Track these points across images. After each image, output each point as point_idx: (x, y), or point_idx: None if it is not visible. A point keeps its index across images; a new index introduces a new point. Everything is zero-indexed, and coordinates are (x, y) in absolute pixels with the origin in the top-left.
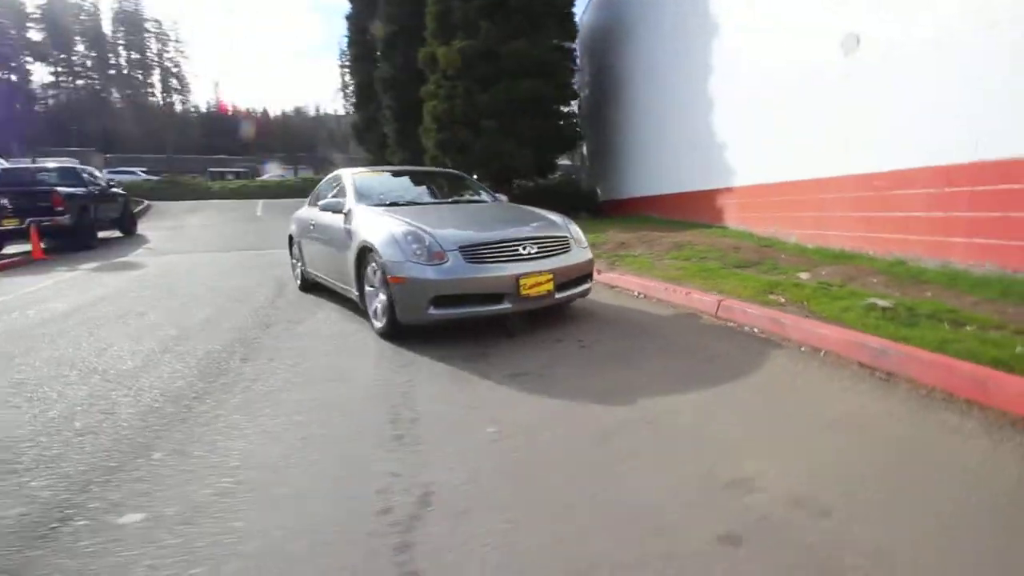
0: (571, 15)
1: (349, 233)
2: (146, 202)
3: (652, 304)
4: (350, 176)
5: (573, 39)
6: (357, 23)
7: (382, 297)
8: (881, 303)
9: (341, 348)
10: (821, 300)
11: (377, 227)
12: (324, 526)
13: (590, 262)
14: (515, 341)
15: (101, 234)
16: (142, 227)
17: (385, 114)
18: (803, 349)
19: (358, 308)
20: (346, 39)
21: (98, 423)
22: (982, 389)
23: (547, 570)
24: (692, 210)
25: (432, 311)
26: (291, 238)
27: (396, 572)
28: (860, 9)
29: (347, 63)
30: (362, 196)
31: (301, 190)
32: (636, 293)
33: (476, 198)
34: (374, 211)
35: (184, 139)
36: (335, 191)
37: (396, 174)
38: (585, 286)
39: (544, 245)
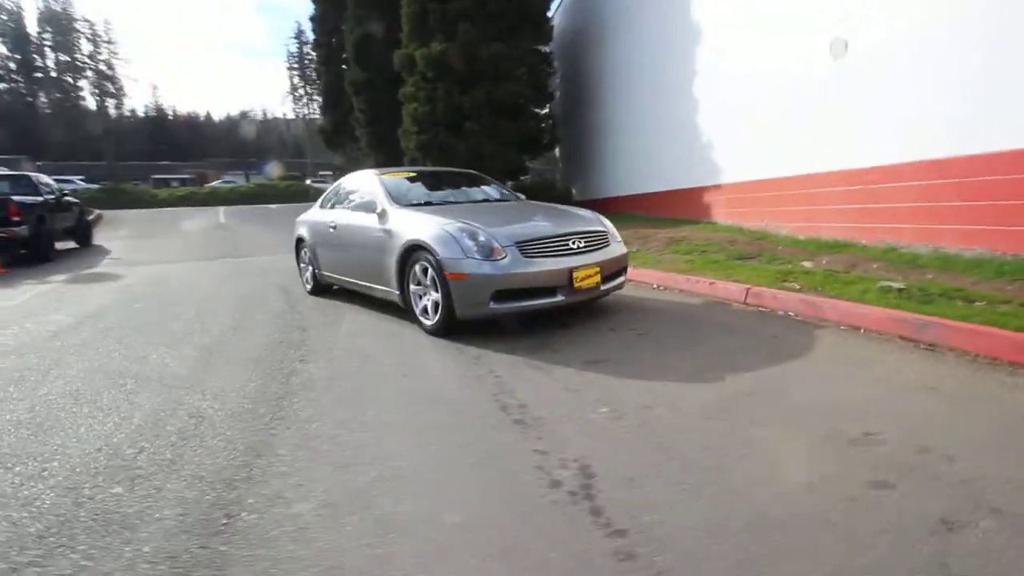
0: (547, 19)
1: (389, 233)
2: (97, 211)
3: (676, 295)
4: (377, 177)
5: (548, 43)
6: (323, 25)
7: (433, 295)
8: (895, 285)
9: (398, 345)
10: (834, 285)
11: (424, 226)
12: (500, 501)
13: (625, 255)
14: (568, 333)
15: (57, 245)
16: (97, 237)
17: (358, 117)
18: (842, 328)
19: (386, 307)
20: (311, 41)
21: (195, 427)
22: (1022, 351)
23: (739, 514)
24: (678, 207)
25: (493, 305)
26: (299, 242)
27: (604, 532)
28: (847, 12)
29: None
30: (394, 197)
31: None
32: (655, 285)
33: (501, 196)
34: (412, 211)
35: (124, 145)
36: (357, 193)
37: (419, 174)
38: (622, 279)
39: (590, 240)
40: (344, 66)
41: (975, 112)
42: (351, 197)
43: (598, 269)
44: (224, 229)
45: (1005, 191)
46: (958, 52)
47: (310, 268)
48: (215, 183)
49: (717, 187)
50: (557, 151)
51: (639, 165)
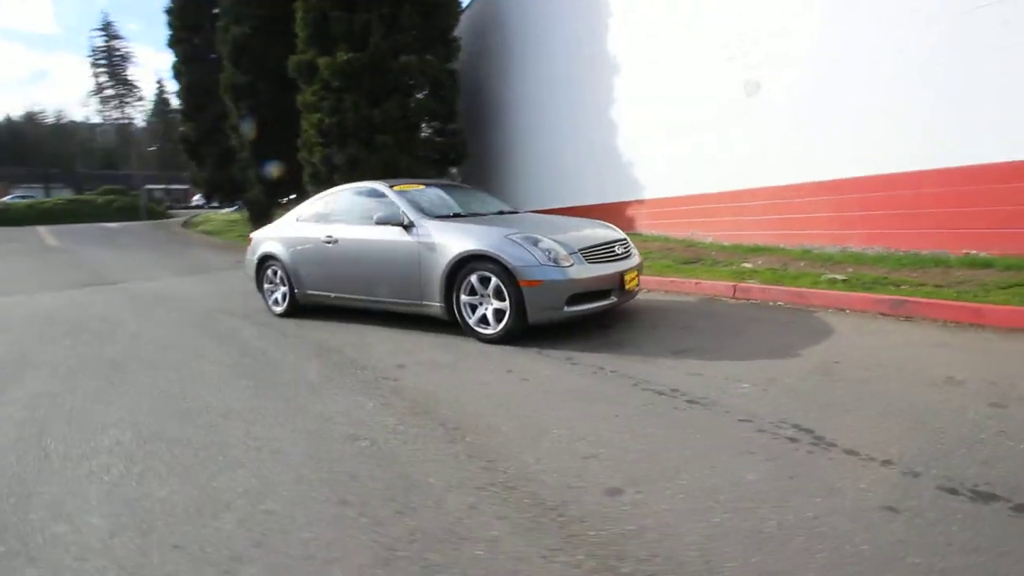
0: (456, 38)
1: (428, 246)
2: None
3: (664, 295)
4: (391, 190)
5: (455, 60)
6: (182, 18)
7: (495, 304)
8: (838, 277)
9: (475, 354)
10: (783, 280)
11: (480, 236)
12: (764, 462)
13: (642, 262)
14: (624, 332)
15: None
16: None
17: (237, 126)
18: (831, 311)
19: (390, 322)
20: (168, 36)
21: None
22: (978, 315)
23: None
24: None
25: (567, 309)
26: (264, 261)
27: (871, 461)
28: (763, 53)
29: (102, 62)
30: (422, 209)
31: (73, 215)
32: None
33: (507, 209)
34: (449, 223)
35: None
36: (363, 206)
37: (426, 186)
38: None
39: (624, 246)
40: (223, 68)
41: (874, 141)
42: (354, 210)
43: (637, 272)
44: (61, 252)
45: (900, 203)
46: (859, 91)
47: (281, 288)
48: (4, 199)
49: (640, 202)
50: (455, 169)
51: (555, 182)
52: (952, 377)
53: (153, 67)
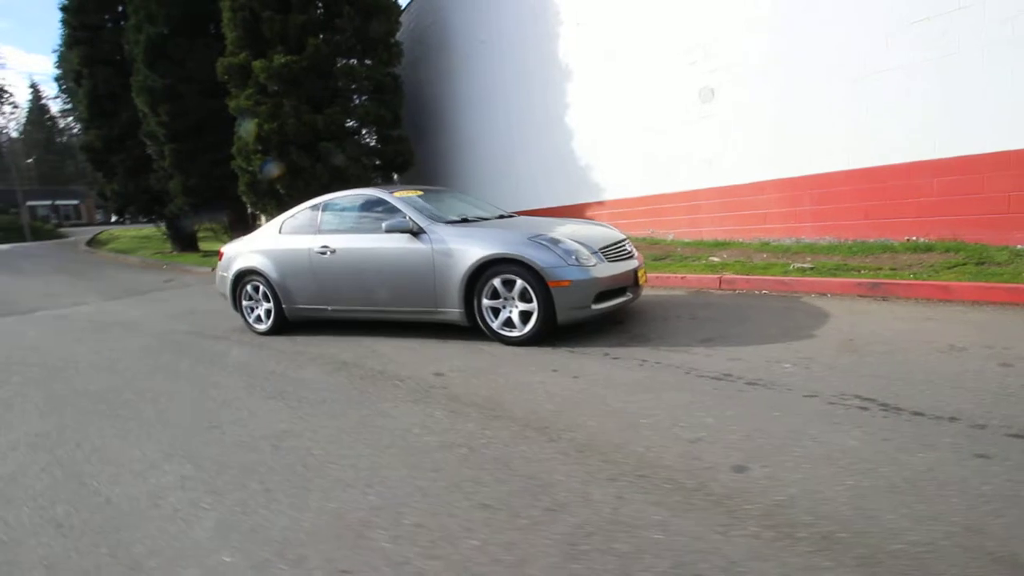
0: (398, 42)
1: (443, 252)
2: None
3: (653, 291)
4: (393, 196)
5: (397, 64)
6: (82, 17)
7: (521, 306)
8: (805, 265)
9: (508, 357)
10: (754, 271)
11: (502, 239)
12: (862, 428)
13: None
14: (641, 327)
15: None
16: None
17: (155, 132)
18: (815, 295)
19: (392, 332)
20: (65, 35)
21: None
22: (947, 292)
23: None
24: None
25: (594, 307)
26: (243, 277)
27: (928, 419)
28: (713, 66)
29: None
30: (430, 215)
31: None
32: None
33: (505, 213)
34: (462, 227)
35: None
36: (360, 214)
37: (424, 193)
38: None
39: (629, 244)
40: (117, 69)
41: (819, 144)
42: (350, 219)
43: (644, 269)
44: None
45: (844, 197)
46: (807, 98)
47: (264, 305)
48: None
49: (600, 203)
50: (395, 176)
51: (509, 186)
52: (954, 345)
53: (26, 70)
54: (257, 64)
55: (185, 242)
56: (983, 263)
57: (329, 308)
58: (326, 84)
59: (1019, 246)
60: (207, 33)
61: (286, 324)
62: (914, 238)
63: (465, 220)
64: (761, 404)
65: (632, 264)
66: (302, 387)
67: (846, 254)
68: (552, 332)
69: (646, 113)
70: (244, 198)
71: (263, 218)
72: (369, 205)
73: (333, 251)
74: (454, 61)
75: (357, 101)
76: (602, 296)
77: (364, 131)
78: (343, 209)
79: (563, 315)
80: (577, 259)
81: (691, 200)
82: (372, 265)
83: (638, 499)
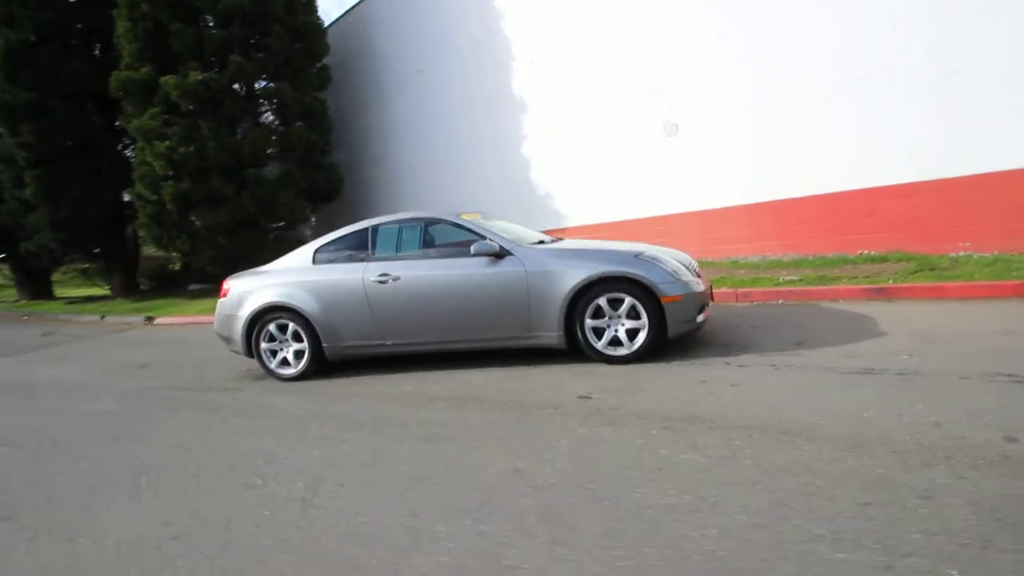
0: (327, 66)
1: (541, 274)
2: None
3: None
4: (462, 220)
5: (326, 88)
6: None
7: (629, 323)
8: (792, 278)
9: (636, 375)
10: (745, 283)
11: (607, 258)
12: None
13: None
14: (711, 338)
15: None
16: None
17: (14, 155)
18: (828, 301)
19: (452, 364)
20: None
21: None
22: (940, 291)
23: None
24: None
25: (698, 319)
26: (261, 316)
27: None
28: (677, 104)
29: None
30: (510, 238)
31: None
32: None
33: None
34: (550, 247)
35: None
36: (420, 239)
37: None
38: None
39: None
40: None
41: (775, 172)
42: (408, 244)
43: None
44: None
45: (806, 216)
46: (766, 130)
47: (294, 345)
48: None
49: (562, 229)
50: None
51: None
52: (1007, 330)
53: None
54: (169, 80)
55: (37, 288)
56: (933, 268)
57: (388, 343)
58: (250, 106)
59: (952, 254)
60: (87, 43)
61: (323, 366)
62: (867, 251)
63: (541, 242)
64: (935, 389)
65: (706, 281)
66: (449, 427)
67: (814, 267)
68: (659, 348)
69: (612, 145)
70: (143, 232)
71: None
72: (432, 229)
73: (396, 279)
74: (385, 89)
75: (292, 126)
76: (699, 309)
77: (291, 158)
78: (400, 234)
79: (673, 329)
80: (680, 275)
81: (661, 225)
82: (450, 292)
83: (958, 478)
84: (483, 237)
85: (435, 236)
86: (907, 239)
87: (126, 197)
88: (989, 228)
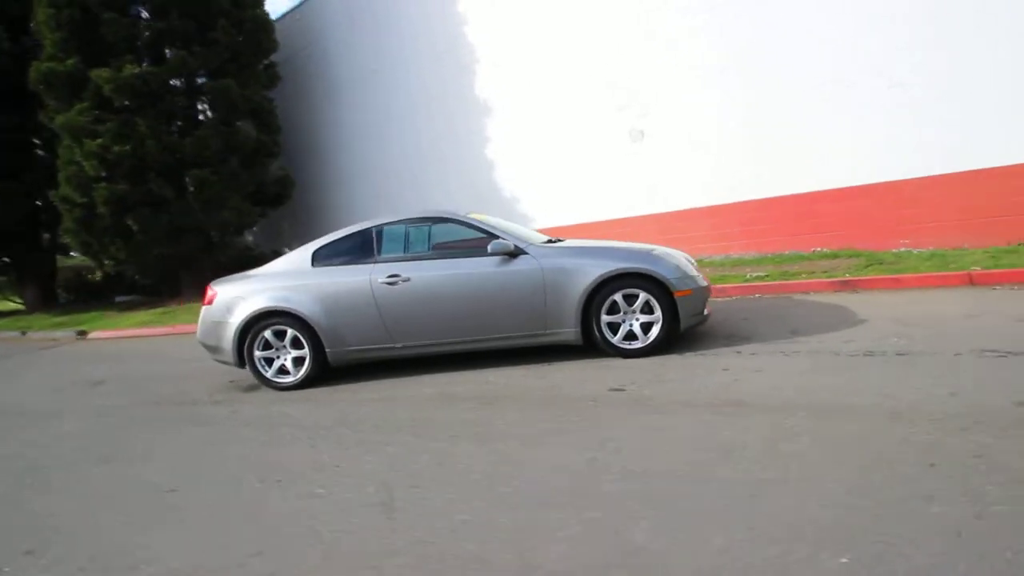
0: (275, 64)
1: (559, 271)
2: None
3: None
4: (475, 220)
5: (274, 87)
6: None
7: (642, 318)
8: (757, 274)
9: (656, 367)
10: (717, 282)
11: (622, 255)
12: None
13: None
14: (707, 331)
15: None
16: None
17: None
18: (800, 295)
19: (456, 365)
20: None
21: None
22: (898, 282)
23: None
24: None
25: (704, 312)
26: (255, 322)
27: None
28: (644, 111)
29: None
30: (521, 237)
31: None
32: None
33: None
34: (562, 246)
35: None
36: (425, 239)
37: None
38: None
39: None
40: None
41: (739, 178)
42: (416, 244)
43: None
44: None
45: (760, 218)
46: (730, 135)
47: (293, 352)
48: None
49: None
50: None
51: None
52: (970, 314)
53: None
54: (101, 73)
55: None
56: (881, 263)
57: (398, 345)
58: (190, 103)
59: (894, 250)
60: None
61: (324, 373)
62: (819, 249)
63: (549, 241)
64: (938, 365)
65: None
66: (493, 426)
67: (775, 264)
68: (671, 341)
69: (578, 148)
70: (69, 239)
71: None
72: (439, 228)
73: (406, 280)
74: (336, 89)
75: (235, 126)
76: (705, 303)
77: (238, 159)
78: (407, 233)
79: (685, 323)
80: (688, 271)
81: (626, 227)
82: (465, 291)
83: (996, 438)
84: (496, 236)
85: (441, 235)
86: (854, 237)
87: (44, 200)
88: (924, 227)
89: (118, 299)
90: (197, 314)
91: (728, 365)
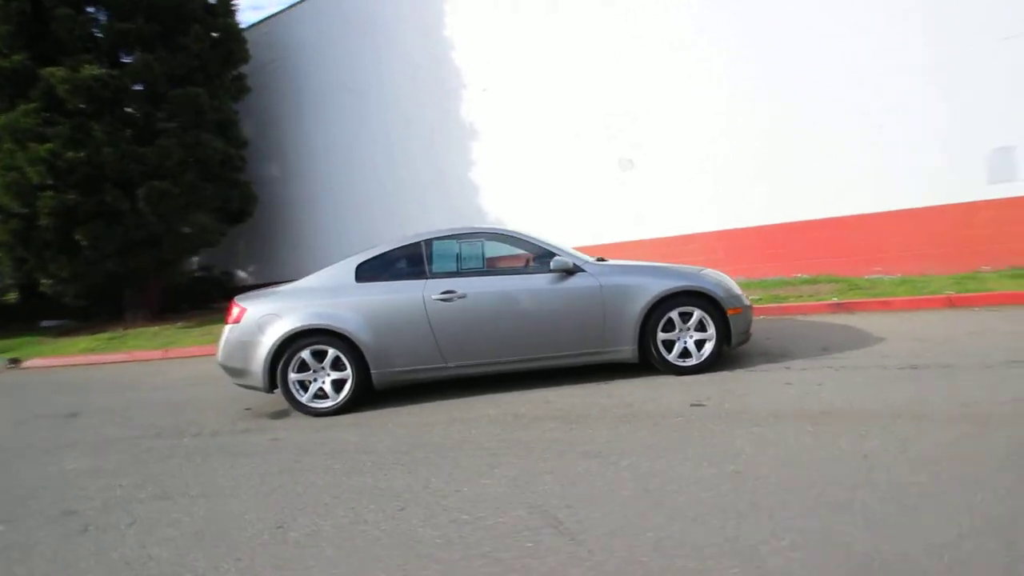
0: (245, 75)
1: (617, 289)
2: None
3: None
4: (526, 235)
5: (243, 99)
6: None
7: (696, 335)
8: (754, 297)
9: (720, 383)
10: None
11: (678, 274)
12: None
13: None
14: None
15: None
16: None
17: None
18: (801, 316)
19: (499, 386)
20: None
21: None
22: (887, 304)
23: None
24: None
25: (750, 330)
26: (290, 342)
27: None
28: (634, 140)
29: None
30: (575, 254)
31: None
32: None
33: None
34: (616, 264)
35: None
36: (482, 253)
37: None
38: None
39: None
40: None
41: (718, 209)
42: (469, 259)
43: None
44: None
45: (751, 244)
46: (720, 167)
47: (333, 375)
48: None
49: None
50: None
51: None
52: (973, 331)
53: None
54: (56, 72)
55: None
56: (859, 288)
57: (451, 365)
58: (153, 110)
59: (868, 276)
60: None
61: (366, 396)
62: (801, 275)
63: (601, 260)
64: (979, 376)
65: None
66: (594, 443)
67: (764, 287)
68: (720, 359)
69: (567, 174)
70: (1, 254)
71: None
72: (493, 243)
73: (462, 296)
74: (306, 104)
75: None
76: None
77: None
78: (460, 249)
79: (735, 340)
80: (735, 291)
81: (624, 250)
82: (523, 309)
83: None
84: (556, 253)
85: (491, 251)
86: (832, 264)
87: None
88: (894, 256)
89: (44, 323)
90: (150, 340)
91: (788, 380)
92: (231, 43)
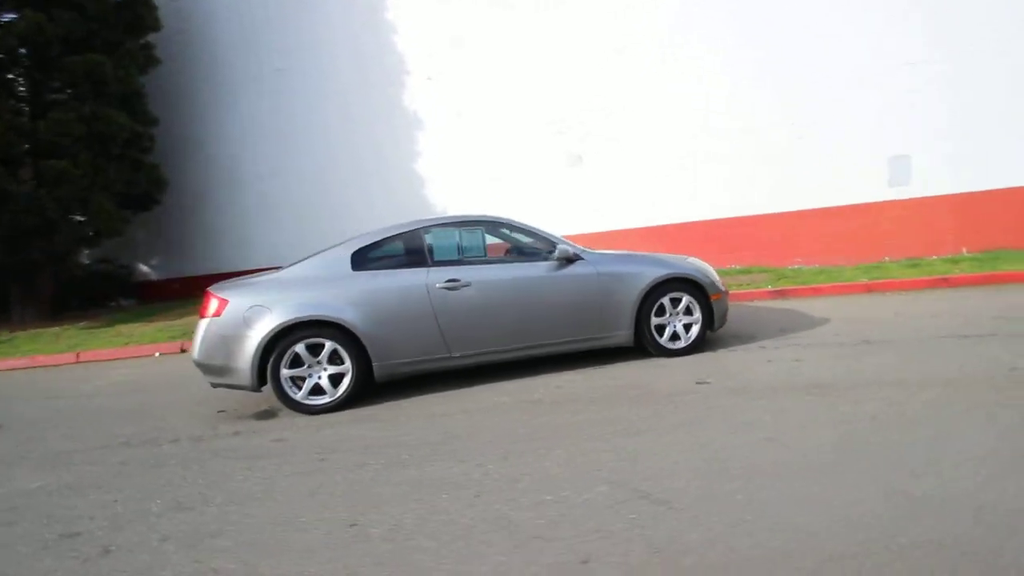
0: (152, 46)
1: (615, 276)
2: None
3: None
4: (525, 224)
5: (152, 72)
6: None
7: (684, 319)
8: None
9: (716, 365)
10: None
11: (667, 262)
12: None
13: None
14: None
15: None
16: None
17: None
18: (744, 302)
19: (500, 375)
20: None
21: None
22: (816, 291)
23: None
24: None
25: (726, 315)
26: (284, 335)
27: None
28: (582, 135)
29: None
30: (570, 243)
31: None
32: None
33: None
34: (611, 253)
35: None
36: (482, 241)
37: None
38: None
39: None
40: None
41: (677, 202)
42: (471, 247)
43: None
44: None
45: (680, 239)
46: (671, 163)
47: (329, 369)
48: None
49: None
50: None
51: (318, 235)
52: (898, 312)
53: None
54: None
55: None
56: (786, 277)
57: (456, 355)
58: (49, 77)
59: (792, 266)
60: None
61: (364, 391)
62: (734, 266)
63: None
64: (934, 347)
65: None
66: (630, 422)
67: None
68: (704, 341)
69: (516, 167)
70: None
71: None
72: (493, 231)
73: (466, 284)
74: (227, 83)
75: (109, 109)
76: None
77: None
78: (460, 236)
79: (718, 323)
80: (715, 277)
81: (587, 241)
82: (528, 296)
83: None
84: (557, 242)
85: (488, 239)
86: (759, 256)
87: None
88: (811, 248)
89: None
90: (52, 343)
91: (768, 358)
92: (138, 6)
